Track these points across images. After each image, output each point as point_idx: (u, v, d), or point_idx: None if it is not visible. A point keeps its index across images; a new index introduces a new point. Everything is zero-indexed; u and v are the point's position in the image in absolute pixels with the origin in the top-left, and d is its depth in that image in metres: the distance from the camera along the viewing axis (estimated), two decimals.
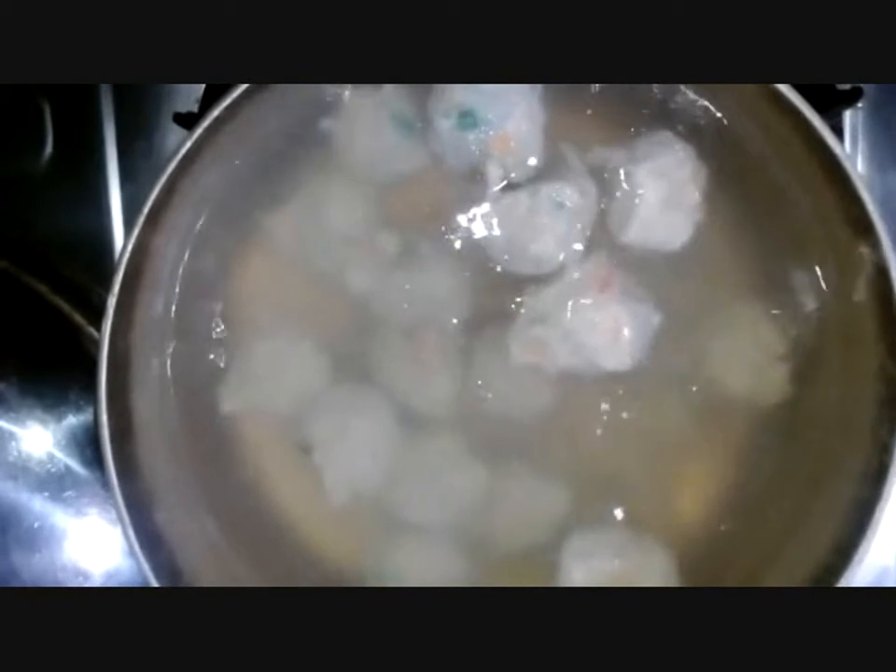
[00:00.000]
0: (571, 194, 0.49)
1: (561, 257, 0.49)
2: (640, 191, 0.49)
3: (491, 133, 0.48)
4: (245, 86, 0.41)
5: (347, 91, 0.49)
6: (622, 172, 0.49)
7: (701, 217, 0.50)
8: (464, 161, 0.50)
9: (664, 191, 0.49)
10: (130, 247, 0.41)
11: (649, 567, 0.48)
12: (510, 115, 0.48)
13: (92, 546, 0.60)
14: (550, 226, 0.49)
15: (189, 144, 0.41)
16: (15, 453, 0.59)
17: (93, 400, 0.45)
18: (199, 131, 0.41)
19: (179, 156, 0.41)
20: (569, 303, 0.49)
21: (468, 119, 0.48)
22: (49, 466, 0.60)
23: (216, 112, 0.40)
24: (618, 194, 0.49)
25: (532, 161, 0.50)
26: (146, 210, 0.41)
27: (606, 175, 0.50)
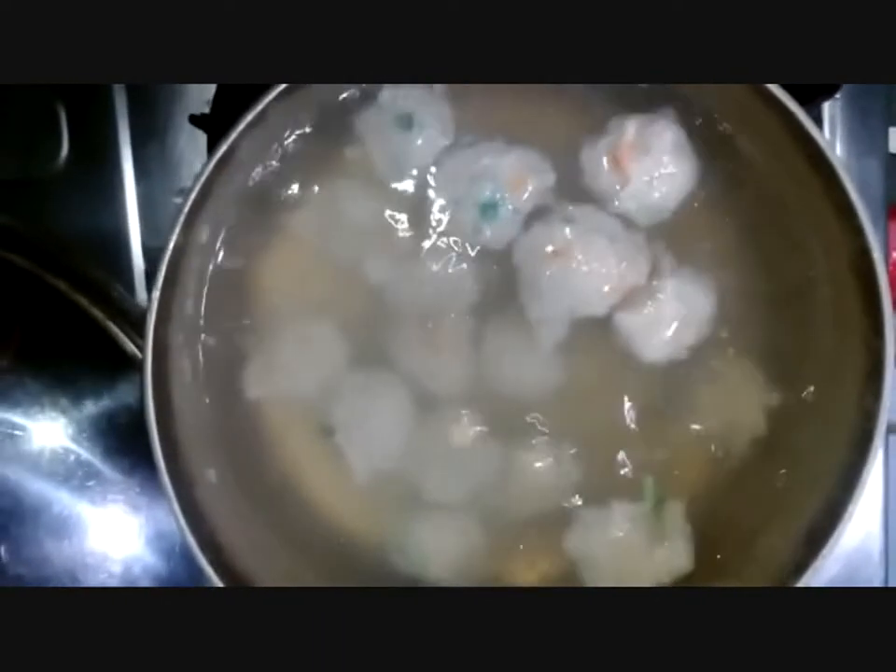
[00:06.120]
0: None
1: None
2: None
3: (507, 194, 0.51)
4: (276, 90, 0.43)
5: (358, 93, 0.51)
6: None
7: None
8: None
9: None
10: (171, 246, 0.44)
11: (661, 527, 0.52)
12: (511, 163, 0.50)
13: (115, 532, 0.62)
14: None
15: (224, 147, 0.43)
16: (38, 445, 0.61)
17: (135, 391, 0.48)
18: (234, 135, 0.43)
19: (216, 158, 0.43)
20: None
21: (488, 210, 0.51)
22: (72, 457, 0.61)
23: (249, 117, 0.43)
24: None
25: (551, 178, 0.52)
26: (185, 210, 0.43)
27: None
